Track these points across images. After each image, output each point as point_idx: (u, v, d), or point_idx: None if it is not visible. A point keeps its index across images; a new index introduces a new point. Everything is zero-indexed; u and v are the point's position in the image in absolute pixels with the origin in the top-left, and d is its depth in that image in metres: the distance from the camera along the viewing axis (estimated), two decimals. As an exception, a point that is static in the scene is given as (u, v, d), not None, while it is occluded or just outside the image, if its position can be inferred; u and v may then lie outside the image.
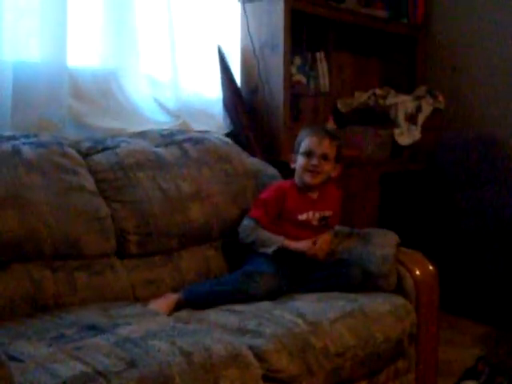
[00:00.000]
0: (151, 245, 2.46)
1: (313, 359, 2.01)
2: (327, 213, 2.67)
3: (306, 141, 2.64)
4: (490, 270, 3.60)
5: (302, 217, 2.62)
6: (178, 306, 2.30)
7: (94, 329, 1.88)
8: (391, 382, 2.39)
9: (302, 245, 2.55)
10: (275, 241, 2.53)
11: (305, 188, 2.65)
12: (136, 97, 2.95)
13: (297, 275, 2.54)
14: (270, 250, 2.51)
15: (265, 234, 2.56)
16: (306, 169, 2.61)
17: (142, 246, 2.44)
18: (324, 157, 2.61)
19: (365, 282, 2.49)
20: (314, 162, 2.60)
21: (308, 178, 2.61)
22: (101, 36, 2.85)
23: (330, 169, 2.64)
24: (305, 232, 2.60)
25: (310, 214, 2.63)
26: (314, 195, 2.67)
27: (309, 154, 2.61)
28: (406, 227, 3.26)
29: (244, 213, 2.68)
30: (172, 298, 2.32)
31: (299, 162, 2.64)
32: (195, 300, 2.33)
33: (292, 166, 2.70)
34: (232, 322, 2.09)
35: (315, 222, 2.64)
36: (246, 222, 2.59)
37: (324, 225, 2.66)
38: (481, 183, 3.71)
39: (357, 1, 4.07)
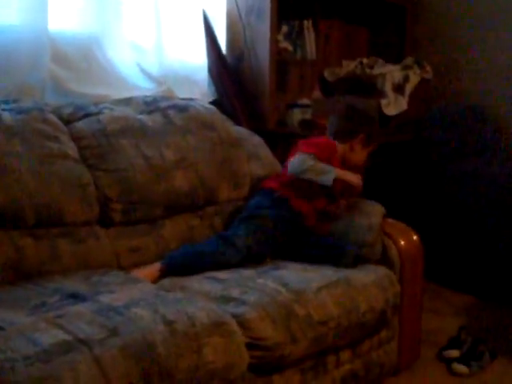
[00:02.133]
0: (135, 213, 2.43)
1: (296, 327, 2.00)
2: None
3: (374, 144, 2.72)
4: (475, 241, 3.61)
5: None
6: (161, 274, 2.29)
7: (76, 297, 1.87)
8: (374, 351, 2.41)
9: (352, 177, 2.56)
10: (332, 171, 2.52)
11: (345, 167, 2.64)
12: (119, 63, 2.91)
13: (290, 248, 2.54)
14: (330, 179, 2.50)
15: (320, 164, 2.53)
16: (360, 166, 2.68)
17: (126, 214, 2.41)
18: None
19: (355, 263, 2.47)
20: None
21: (356, 181, 2.58)
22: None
23: None
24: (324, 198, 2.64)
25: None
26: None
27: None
28: (392, 198, 3.25)
29: (229, 181, 2.66)
30: (155, 267, 2.31)
31: (363, 157, 2.70)
32: (175, 264, 2.32)
33: (356, 147, 2.69)
34: (215, 290, 2.09)
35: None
36: (299, 155, 2.55)
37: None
38: (468, 154, 3.70)
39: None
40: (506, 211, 3.50)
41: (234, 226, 2.54)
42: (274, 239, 2.51)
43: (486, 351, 2.79)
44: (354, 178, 2.57)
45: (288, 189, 2.59)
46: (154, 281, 2.24)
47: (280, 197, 2.58)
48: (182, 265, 2.32)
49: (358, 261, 2.47)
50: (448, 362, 2.77)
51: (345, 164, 2.67)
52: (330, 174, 2.51)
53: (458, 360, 2.75)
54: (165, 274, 2.29)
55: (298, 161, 2.54)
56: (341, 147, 2.68)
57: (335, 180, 2.52)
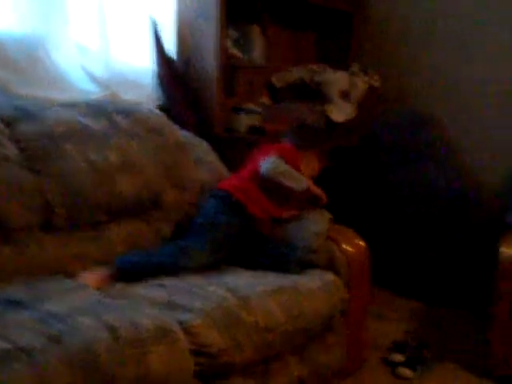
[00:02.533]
0: (79, 218, 2.38)
1: (242, 334, 1.99)
2: None
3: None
4: (420, 247, 3.66)
5: None
6: (110, 279, 2.25)
7: (18, 304, 1.82)
8: (320, 356, 2.41)
9: (320, 191, 2.65)
10: (303, 179, 2.59)
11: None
12: (64, 65, 2.85)
13: (241, 253, 2.53)
14: (302, 186, 2.57)
15: (293, 170, 2.58)
16: (312, 178, 2.73)
17: (69, 219, 2.35)
18: None
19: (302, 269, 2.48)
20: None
21: (305, 186, 2.63)
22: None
23: None
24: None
25: None
26: None
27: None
28: (340, 203, 3.26)
29: (176, 186, 2.64)
30: (103, 271, 2.27)
31: (315, 166, 2.79)
32: (128, 269, 2.29)
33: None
34: (161, 297, 2.06)
35: None
36: (273, 158, 2.58)
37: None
38: (412, 160, 3.74)
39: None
40: (447, 217, 3.56)
41: (191, 232, 2.51)
42: (230, 247, 2.50)
43: (431, 355, 2.82)
44: (320, 191, 2.65)
45: (244, 194, 2.58)
46: (103, 286, 2.19)
47: (236, 202, 2.56)
48: (135, 271, 2.28)
49: (304, 267, 2.46)
50: (393, 365, 2.80)
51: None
52: (302, 182, 2.58)
53: (403, 364, 2.78)
54: (116, 279, 2.25)
55: (272, 163, 2.56)
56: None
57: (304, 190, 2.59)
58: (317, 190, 2.64)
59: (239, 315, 2.02)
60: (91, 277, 2.23)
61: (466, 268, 3.50)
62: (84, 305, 1.84)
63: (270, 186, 2.58)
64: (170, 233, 2.64)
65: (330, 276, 2.47)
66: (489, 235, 3.09)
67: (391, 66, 4.21)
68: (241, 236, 2.54)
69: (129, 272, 2.28)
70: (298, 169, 2.66)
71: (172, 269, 2.29)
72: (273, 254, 2.52)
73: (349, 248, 2.58)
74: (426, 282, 3.62)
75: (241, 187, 2.60)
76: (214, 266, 2.40)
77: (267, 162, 2.57)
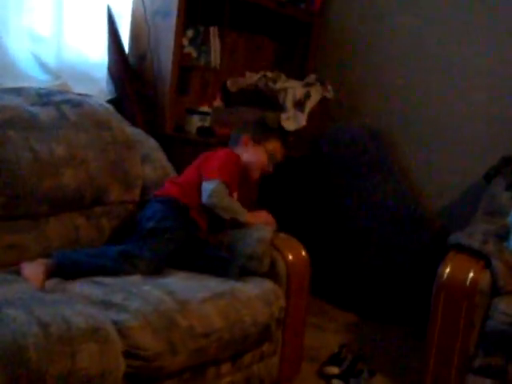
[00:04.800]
0: (17, 208, 2.30)
1: (177, 338, 1.95)
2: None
3: (274, 143, 2.78)
4: (359, 259, 3.68)
5: (234, 195, 2.68)
6: (49, 273, 2.18)
7: None
8: (255, 365, 2.39)
9: (261, 220, 2.66)
10: (243, 211, 2.60)
11: (243, 172, 2.74)
12: (14, 50, 2.78)
13: (180, 257, 2.48)
14: (242, 219, 2.58)
15: (234, 201, 2.61)
16: (262, 169, 2.75)
17: (7, 209, 2.27)
18: None
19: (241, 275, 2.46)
20: (271, 169, 2.78)
21: (256, 176, 2.75)
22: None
23: None
24: None
25: (235, 194, 2.70)
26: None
27: (270, 159, 2.75)
28: (285, 212, 3.26)
29: (120, 182, 2.59)
30: (43, 264, 2.19)
31: (261, 158, 2.75)
32: (67, 266, 2.22)
33: (245, 147, 2.75)
34: (97, 295, 2.01)
35: None
36: (216, 185, 2.53)
37: None
38: (362, 173, 3.77)
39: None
40: (391, 231, 3.59)
41: (135, 236, 2.45)
42: (173, 252, 2.45)
43: (365, 369, 2.83)
44: (263, 220, 2.67)
45: (188, 199, 2.55)
46: (42, 281, 2.12)
47: (184, 207, 2.54)
48: (75, 269, 2.21)
49: (243, 274, 2.45)
50: (328, 378, 2.81)
51: (249, 171, 2.76)
52: (243, 216, 2.59)
53: (338, 377, 2.79)
54: (53, 272, 2.18)
55: (216, 194, 2.52)
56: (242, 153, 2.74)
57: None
58: (258, 221, 2.64)
59: (175, 319, 1.98)
60: (31, 267, 2.15)
61: (405, 284, 3.53)
62: (15, 297, 1.79)
63: None
64: (110, 230, 2.59)
65: (269, 284, 2.45)
66: (432, 254, 3.13)
67: (346, 77, 4.24)
68: (185, 241, 2.50)
69: (68, 269, 2.22)
70: (239, 175, 2.69)
71: (114, 273, 2.22)
72: (212, 257, 2.49)
73: (290, 256, 2.57)
74: (365, 295, 3.64)
75: (183, 192, 2.57)
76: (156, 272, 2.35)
77: (209, 191, 2.52)
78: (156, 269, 2.31)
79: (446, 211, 3.88)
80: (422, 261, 3.46)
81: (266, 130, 2.85)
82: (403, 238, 3.59)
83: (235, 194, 2.69)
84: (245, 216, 2.60)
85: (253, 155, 2.74)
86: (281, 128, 3.78)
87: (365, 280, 3.65)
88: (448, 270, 2.52)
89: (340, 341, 3.17)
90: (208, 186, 2.53)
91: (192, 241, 2.52)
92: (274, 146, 2.78)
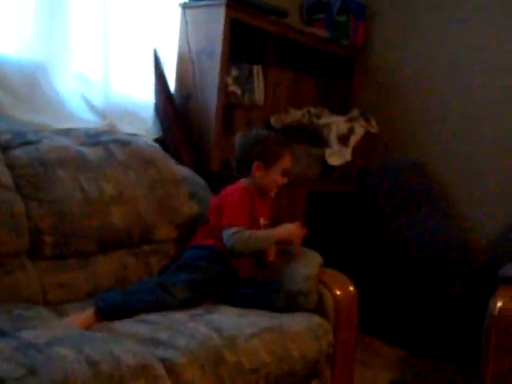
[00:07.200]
0: (67, 247, 2.34)
1: (225, 374, 1.94)
2: (267, 220, 2.70)
3: (285, 158, 2.66)
4: (409, 295, 3.62)
5: (262, 221, 2.65)
6: (95, 321, 2.16)
7: (-3, 331, 1.78)
8: (305, 401, 2.36)
9: (289, 232, 2.61)
10: (267, 237, 2.56)
11: (262, 195, 2.68)
12: (64, 92, 2.84)
13: (223, 289, 2.49)
14: (268, 244, 2.56)
15: (257, 232, 2.55)
16: (278, 186, 2.68)
17: (57, 248, 2.32)
18: None
19: (288, 306, 2.44)
20: (286, 181, 2.68)
21: (273, 193, 2.69)
22: (31, 25, 2.72)
23: None
24: None
25: (262, 219, 2.66)
26: (266, 202, 2.71)
27: (284, 173, 2.67)
28: (331, 247, 3.25)
29: (168, 220, 2.62)
30: (89, 313, 2.17)
31: (275, 177, 2.65)
32: (109, 310, 2.20)
33: (257, 174, 2.63)
34: (144, 333, 2.01)
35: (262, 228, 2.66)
36: (235, 231, 2.47)
37: None
38: (407, 208, 3.74)
39: (299, 18, 4.12)
40: (440, 267, 3.54)
41: (170, 271, 2.48)
42: (209, 286, 2.45)
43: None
44: (290, 233, 2.60)
45: (220, 243, 2.53)
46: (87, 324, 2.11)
47: (217, 251, 2.53)
48: (117, 312, 2.19)
49: (290, 303, 2.44)
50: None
51: (263, 194, 2.68)
52: (267, 242, 2.56)
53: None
54: (98, 320, 2.17)
55: (238, 239, 2.46)
56: (249, 182, 2.66)
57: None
58: (287, 234, 2.60)
59: (223, 355, 1.97)
60: (78, 318, 2.14)
61: (456, 319, 3.46)
62: (64, 336, 1.79)
63: None
64: (158, 267, 2.61)
65: (317, 319, 2.43)
66: (482, 288, 3.07)
67: (391, 112, 4.23)
68: (222, 279, 2.50)
69: (111, 313, 2.19)
70: (256, 207, 2.62)
71: (154, 306, 2.23)
72: (258, 285, 2.50)
73: (338, 292, 2.55)
74: (413, 330, 3.58)
75: (215, 236, 2.55)
76: (195, 302, 2.36)
77: (230, 238, 2.47)
78: (190, 296, 2.32)
79: (495, 243, 3.80)
80: (473, 294, 3.39)
81: (271, 149, 2.65)
82: (452, 272, 3.53)
83: (262, 219, 2.65)
84: (272, 239, 2.56)
85: (268, 179, 2.64)
86: (325, 164, 3.79)
87: (414, 314, 3.59)
88: (499, 304, 2.47)
89: (389, 377, 3.11)
90: (224, 234, 2.50)
91: (232, 283, 2.52)
92: (284, 161, 2.66)
